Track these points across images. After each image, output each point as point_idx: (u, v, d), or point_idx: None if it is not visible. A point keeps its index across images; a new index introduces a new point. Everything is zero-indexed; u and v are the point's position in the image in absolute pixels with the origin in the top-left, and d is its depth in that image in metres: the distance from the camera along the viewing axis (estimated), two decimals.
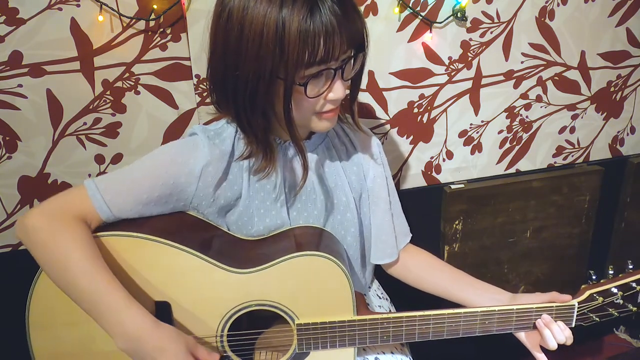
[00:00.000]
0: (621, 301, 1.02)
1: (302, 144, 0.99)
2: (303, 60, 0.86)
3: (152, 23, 1.24)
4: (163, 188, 0.98)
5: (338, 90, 0.94)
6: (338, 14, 0.86)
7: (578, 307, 1.03)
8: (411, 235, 1.26)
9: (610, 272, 1.04)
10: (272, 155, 1.01)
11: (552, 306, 1.03)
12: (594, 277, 1.05)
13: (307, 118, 0.98)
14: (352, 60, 0.94)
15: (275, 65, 0.86)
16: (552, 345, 1.03)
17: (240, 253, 1.03)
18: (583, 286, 1.05)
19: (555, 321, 1.03)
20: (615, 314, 1.03)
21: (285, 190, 1.07)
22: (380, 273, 1.30)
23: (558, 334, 1.02)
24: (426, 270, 1.22)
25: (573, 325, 1.05)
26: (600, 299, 1.02)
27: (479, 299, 1.12)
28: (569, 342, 1.03)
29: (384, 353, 1.15)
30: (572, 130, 1.69)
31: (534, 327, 1.05)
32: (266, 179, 1.04)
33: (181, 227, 1.03)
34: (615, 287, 1.02)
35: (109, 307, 0.88)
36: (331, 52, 0.87)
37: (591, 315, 1.04)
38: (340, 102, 0.98)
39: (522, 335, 1.08)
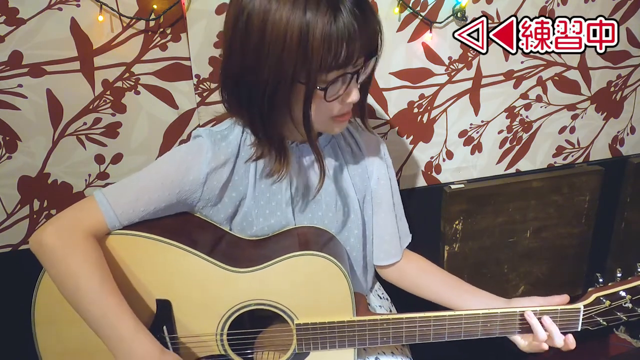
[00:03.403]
0: (630, 305, 0.97)
1: (320, 149, 0.97)
2: (326, 64, 0.85)
3: (152, 23, 1.22)
4: (170, 198, 0.98)
5: (354, 94, 0.93)
6: (359, 18, 0.84)
7: (584, 311, 0.99)
8: (411, 235, 1.25)
9: (619, 274, 1.00)
10: (287, 159, 0.99)
11: (557, 309, 0.99)
12: (600, 280, 1.01)
13: (323, 122, 0.96)
14: (365, 64, 0.93)
15: (297, 70, 0.85)
16: (542, 337, 0.99)
17: (241, 252, 1.02)
18: (590, 289, 1.01)
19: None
20: (624, 318, 0.99)
21: (292, 191, 1.06)
22: None
23: (557, 335, 0.99)
24: (422, 276, 1.19)
25: (579, 329, 1.01)
26: (608, 302, 0.98)
27: (473, 305, 1.09)
28: (571, 346, 0.99)
29: (384, 354, 1.14)
30: (572, 130, 1.67)
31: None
32: (272, 179, 1.03)
33: (183, 226, 1.02)
34: (623, 290, 0.97)
35: (117, 334, 0.89)
36: (352, 56, 0.86)
37: (598, 319, 0.99)
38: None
39: (518, 339, 1.05)
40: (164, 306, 0.98)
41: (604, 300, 0.98)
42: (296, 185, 1.06)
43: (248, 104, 0.92)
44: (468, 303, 1.10)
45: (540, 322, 0.99)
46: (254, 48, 0.86)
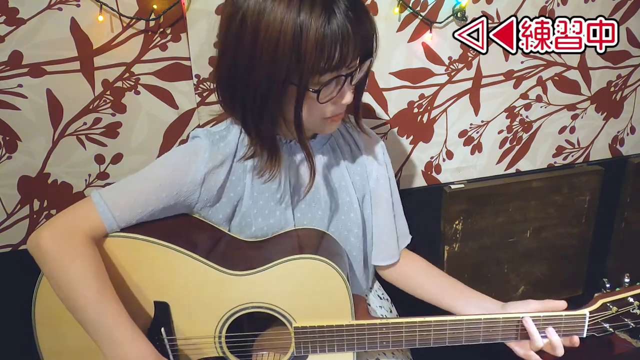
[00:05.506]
0: (638, 311, 0.94)
1: (311, 148, 0.95)
2: (319, 66, 0.83)
3: (152, 23, 1.20)
4: (168, 199, 0.96)
5: (348, 96, 0.91)
6: (352, 20, 0.82)
7: (589, 317, 0.95)
8: (411, 237, 1.22)
9: (627, 280, 0.96)
10: (277, 158, 0.97)
11: (562, 315, 0.96)
12: (607, 286, 0.97)
13: (315, 122, 0.94)
14: (360, 65, 0.91)
15: (290, 71, 0.83)
16: (539, 345, 0.96)
17: (239, 255, 1.00)
18: (596, 295, 0.97)
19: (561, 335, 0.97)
20: (632, 324, 0.95)
21: (290, 190, 1.03)
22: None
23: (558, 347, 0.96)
24: (420, 276, 1.17)
25: (584, 336, 0.97)
26: (615, 308, 0.94)
27: (467, 307, 1.06)
28: (559, 352, 0.96)
29: (385, 355, 1.11)
30: (572, 130, 1.64)
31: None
32: (264, 177, 1.01)
33: (181, 229, 1.00)
34: (631, 296, 0.93)
35: (114, 339, 0.87)
36: (345, 58, 0.84)
37: (604, 325, 0.96)
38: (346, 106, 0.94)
39: (515, 347, 1.02)
40: (162, 308, 0.96)
41: (611, 307, 0.95)
42: (294, 184, 1.05)
43: (241, 103, 0.91)
44: (460, 305, 1.08)
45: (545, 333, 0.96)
46: (248, 48, 0.85)
